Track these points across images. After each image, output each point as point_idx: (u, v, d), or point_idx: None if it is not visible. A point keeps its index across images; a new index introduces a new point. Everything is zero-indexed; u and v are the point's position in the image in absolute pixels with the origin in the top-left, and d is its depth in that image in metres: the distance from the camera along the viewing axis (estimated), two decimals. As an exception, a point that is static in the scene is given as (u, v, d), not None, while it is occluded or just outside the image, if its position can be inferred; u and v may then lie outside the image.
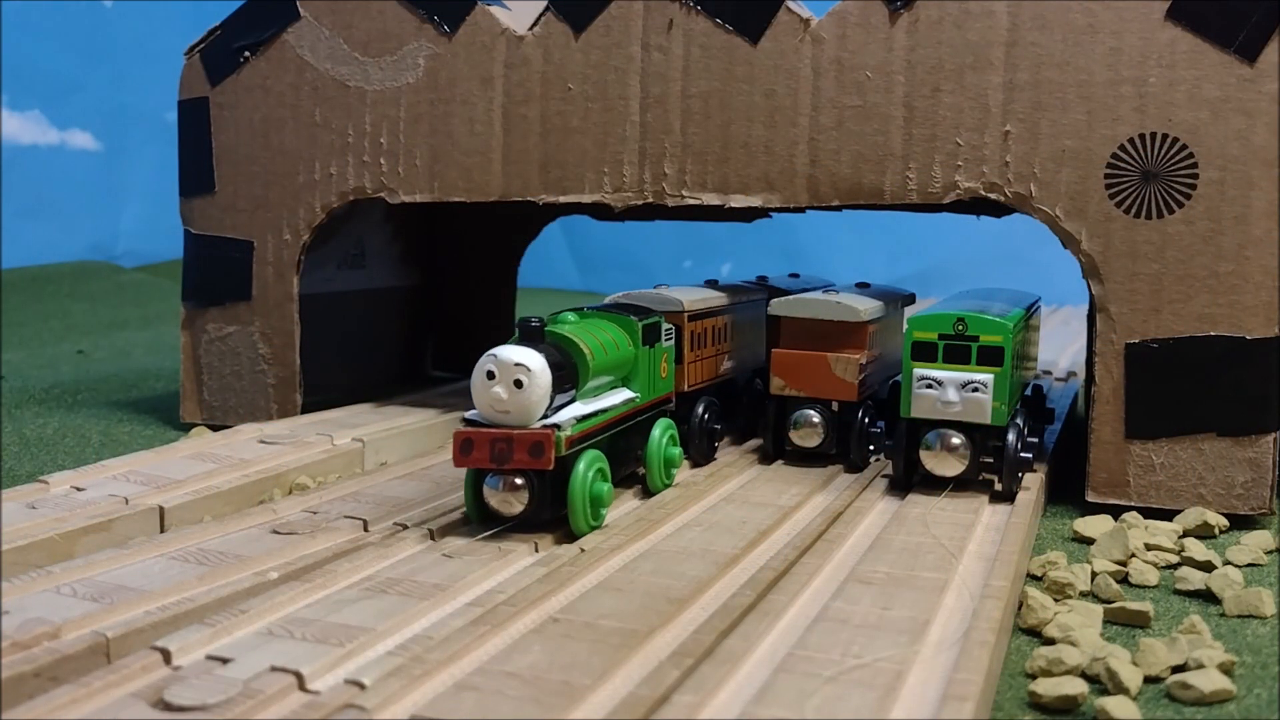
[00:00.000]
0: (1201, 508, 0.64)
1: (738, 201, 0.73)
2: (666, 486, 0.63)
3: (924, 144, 0.69)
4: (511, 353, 0.51)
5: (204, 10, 0.99)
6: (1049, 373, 1.17)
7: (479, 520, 0.53)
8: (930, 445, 0.63)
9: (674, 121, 0.75)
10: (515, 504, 0.51)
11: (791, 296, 0.72)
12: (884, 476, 0.68)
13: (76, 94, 2.42)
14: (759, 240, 2.62)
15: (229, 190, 0.88)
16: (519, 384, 0.50)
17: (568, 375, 0.54)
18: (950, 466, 0.63)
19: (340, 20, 0.82)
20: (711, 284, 0.80)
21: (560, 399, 0.53)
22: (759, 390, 0.80)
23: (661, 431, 0.62)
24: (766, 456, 0.73)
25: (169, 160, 0.92)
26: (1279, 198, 0.63)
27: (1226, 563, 0.58)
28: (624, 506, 0.61)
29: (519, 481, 0.51)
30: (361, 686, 0.37)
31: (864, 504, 0.62)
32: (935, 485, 0.65)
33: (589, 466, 0.53)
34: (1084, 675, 0.43)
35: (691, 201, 0.75)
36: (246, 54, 0.86)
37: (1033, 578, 0.55)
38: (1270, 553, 0.60)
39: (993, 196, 0.68)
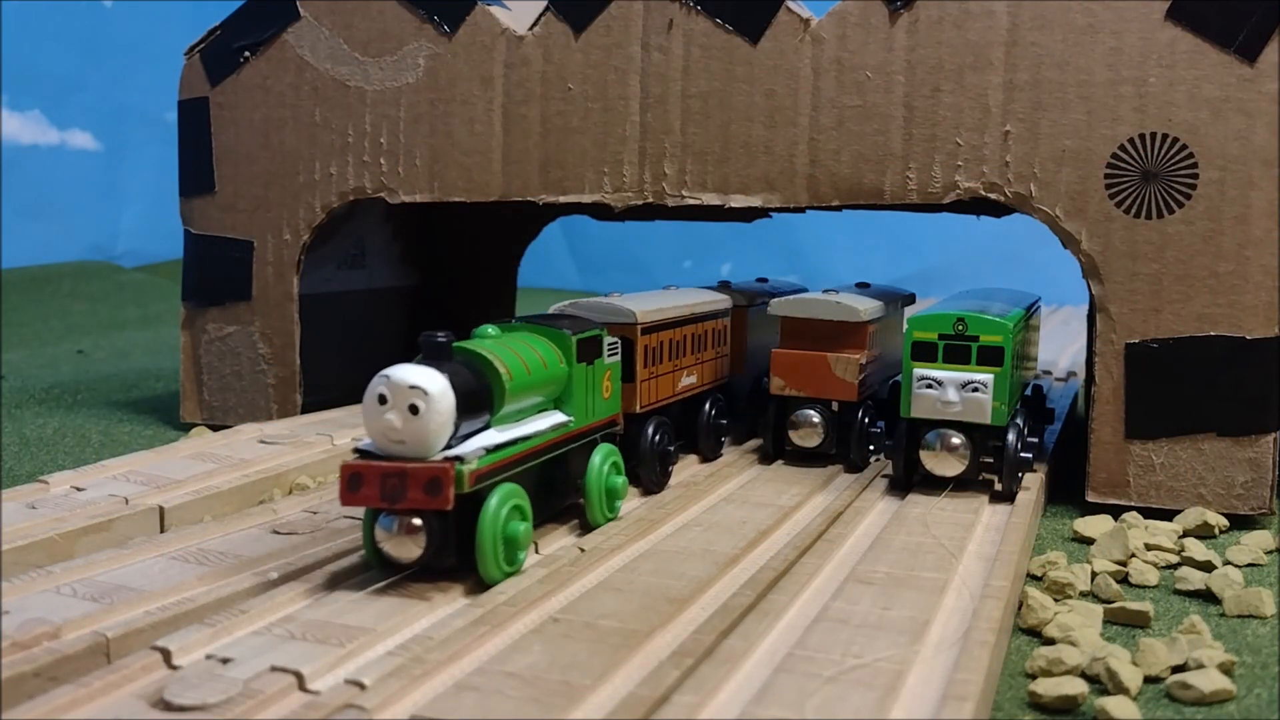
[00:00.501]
0: (1201, 508, 0.64)
1: (738, 201, 0.73)
2: (610, 519, 0.57)
3: (924, 144, 0.69)
4: (407, 373, 0.44)
5: (204, 10, 0.99)
6: (1049, 373, 1.17)
7: (378, 566, 0.46)
8: (930, 445, 0.63)
9: (674, 121, 0.75)
10: (412, 548, 0.45)
11: (792, 296, 0.72)
12: (884, 476, 0.68)
13: (76, 94, 2.42)
14: (759, 240, 2.61)
15: (229, 190, 0.88)
16: (415, 410, 0.44)
17: (477, 398, 0.47)
18: (950, 466, 0.63)
19: (340, 20, 0.82)
20: (672, 290, 0.75)
21: (468, 426, 0.46)
22: (723, 407, 0.74)
23: (603, 459, 0.56)
24: (766, 456, 0.73)
25: (169, 160, 0.92)
26: (1279, 198, 0.63)
27: (1226, 563, 0.58)
28: (624, 506, 0.61)
29: (416, 522, 0.44)
30: (361, 686, 0.37)
31: (864, 504, 0.62)
32: (935, 485, 0.65)
33: (502, 503, 0.46)
34: (1084, 675, 0.43)
35: (691, 201, 0.75)
36: (246, 54, 0.86)
37: (1033, 578, 0.55)
38: (1270, 553, 0.60)
39: (993, 196, 0.68)
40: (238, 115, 0.87)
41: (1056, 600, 0.52)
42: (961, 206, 0.78)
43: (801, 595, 0.47)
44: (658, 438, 0.64)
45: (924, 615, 0.44)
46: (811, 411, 0.70)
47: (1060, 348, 1.38)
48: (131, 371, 1.27)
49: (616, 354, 0.60)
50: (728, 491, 0.64)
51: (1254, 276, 0.64)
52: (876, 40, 0.70)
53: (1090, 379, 0.69)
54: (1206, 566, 0.56)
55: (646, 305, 0.65)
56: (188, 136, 0.89)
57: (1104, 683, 0.42)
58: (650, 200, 0.76)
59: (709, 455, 0.73)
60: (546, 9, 0.77)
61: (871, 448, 0.71)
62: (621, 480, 0.57)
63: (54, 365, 1.34)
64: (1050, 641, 0.47)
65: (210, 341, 0.89)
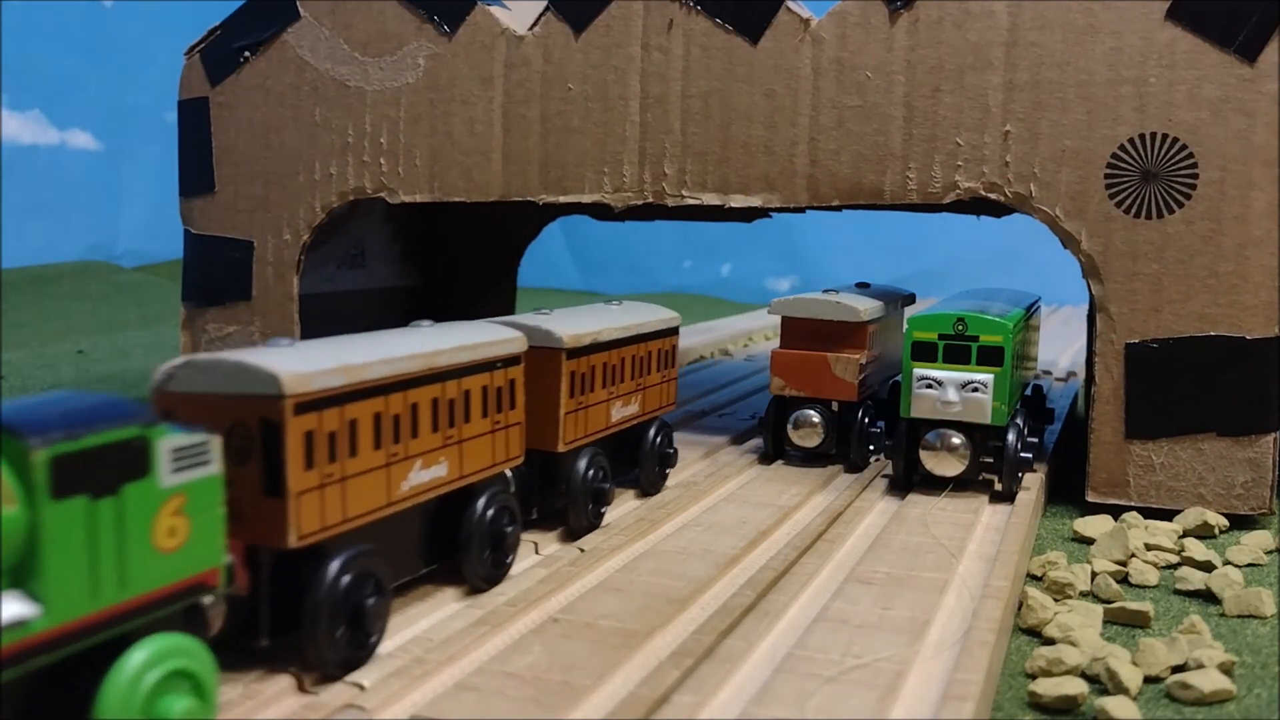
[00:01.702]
0: (1201, 508, 0.64)
1: (738, 201, 0.73)
2: None
3: (924, 144, 0.69)
4: None
5: (204, 10, 0.98)
6: (1049, 373, 1.17)
7: None
8: (930, 445, 0.63)
9: (674, 121, 0.75)
10: None
11: (791, 296, 0.72)
12: (884, 476, 0.68)
13: (76, 94, 2.43)
14: (759, 240, 2.61)
15: (229, 190, 0.88)
16: None
17: None
18: (950, 466, 0.63)
19: (340, 20, 0.82)
20: (411, 329, 0.49)
21: None
22: (506, 507, 0.47)
23: (144, 669, 0.31)
24: (766, 456, 0.73)
25: (169, 160, 0.92)
26: (1279, 198, 0.63)
27: (1226, 563, 0.58)
28: (624, 507, 0.61)
29: None
30: (361, 688, 0.37)
31: (864, 504, 0.62)
32: (935, 485, 0.65)
33: None
34: (1084, 675, 0.43)
35: (691, 201, 0.75)
36: (246, 54, 0.86)
37: (1033, 578, 0.55)
38: (1270, 553, 0.60)
39: (993, 196, 0.68)
40: (238, 115, 0.87)
41: (1056, 600, 0.52)
42: (961, 206, 0.78)
43: (801, 595, 0.47)
44: (340, 581, 0.38)
45: (924, 615, 0.44)
46: (811, 411, 0.70)
47: (1060, 348, 1.39)
48: (131, 371, 1.27)
49: (207, 461, 0.33)
50: (728, 491, 0.64)
51: (1254, 276, 0.64)
52: (876, 40, 0.70)
53: (1090, 379, 0.69)
54: (1206, 566, 0.56)
55: (308, 364, 0.38)
56: (188, 136, 0.89)
57: (1104, 683, 0.42)
58: (650, 200, 0.76)
59: (482, 584, 0.46)
60: (546, 9, 0.77)
61: (871, 448, 0.71)
62: (183, 705, 0.31)
63: (54, 365, 1.34)
64: (1050, 641, 0.47)
65: (210, 341, 0.89)
